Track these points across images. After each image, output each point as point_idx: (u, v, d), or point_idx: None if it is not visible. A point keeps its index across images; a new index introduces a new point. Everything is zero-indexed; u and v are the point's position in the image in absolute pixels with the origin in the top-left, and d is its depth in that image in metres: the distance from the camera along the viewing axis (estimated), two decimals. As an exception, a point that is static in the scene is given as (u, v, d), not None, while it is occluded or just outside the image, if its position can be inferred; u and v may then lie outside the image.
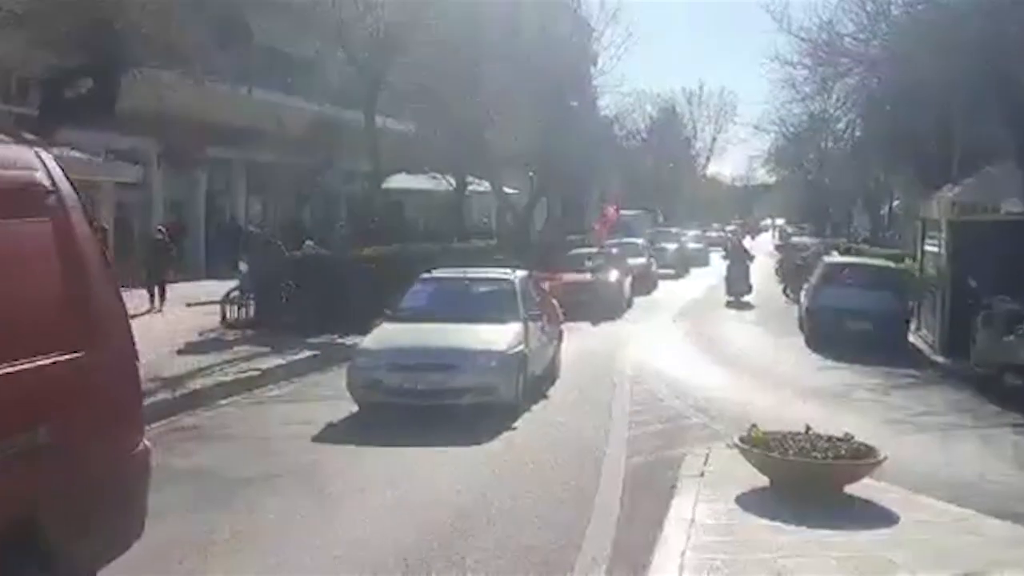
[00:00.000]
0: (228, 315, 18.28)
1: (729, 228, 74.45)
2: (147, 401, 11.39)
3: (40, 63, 18.75)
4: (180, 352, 14.97)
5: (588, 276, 23.23)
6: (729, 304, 27.23)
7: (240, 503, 8.10)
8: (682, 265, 40.03)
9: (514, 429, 10.95)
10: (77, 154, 21.79)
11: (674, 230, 47.35)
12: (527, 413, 11.76)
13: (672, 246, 41.07)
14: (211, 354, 14.77)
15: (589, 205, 50.64)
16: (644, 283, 28.91)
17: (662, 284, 32.64)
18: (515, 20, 29.64)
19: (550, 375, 13.86)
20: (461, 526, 7.50)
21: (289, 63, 31.31)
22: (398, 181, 32.75)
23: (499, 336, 11.83)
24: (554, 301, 15.25)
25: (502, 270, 14.13)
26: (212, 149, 28.74)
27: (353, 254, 21.68)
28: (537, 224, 40.09)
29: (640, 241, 33.80)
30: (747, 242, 39.39)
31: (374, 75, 23.78)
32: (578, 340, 17.22)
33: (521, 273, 13.90)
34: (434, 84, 26.78)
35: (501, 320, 12.31)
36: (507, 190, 35.79)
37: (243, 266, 19.25)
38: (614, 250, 26.96)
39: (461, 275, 13.90)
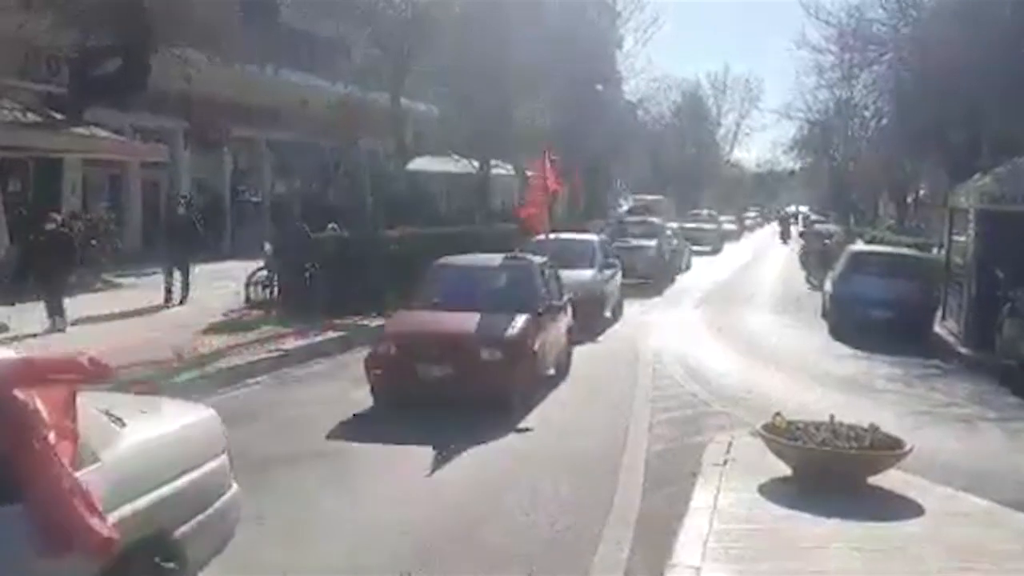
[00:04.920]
0: (252, 296, 18.40)
1: (748, 215, 74.41)
2: (175, 380, 11.65)
3: (69, 42, 18.87)
4: (205, 332, 15.08)
5: (471, 326, 11.22)
6: (742, 296, 27.12)
7: (266, 483, 8.18)
8: (664, 271, 27.95)
9: None
10: (105, 133, 21.99)
11: (656, 220, 33.48)
12: None
13: (650, 244, 27.68)
14: (236, 334, 14.87)
15: (611, 189, 50.62)
16: (593, 314, 17.07)
17: (629, 310, 20.75)
18: (541, 3, 29.54)
19: None
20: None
21: (315, 43, 31.35)
22: (422, 163, 32.82)
23: None
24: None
25: None
26: (238, 129, 28.85)
27: (376, 235, 21.76)
28: (559, 208, 40.03)
29: (593, 239, 21.34)
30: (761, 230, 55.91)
31: (400, 56, 23.79)
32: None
33: None
34: (459, 66, 26.78)
35: None
36: (530, 173, 35.77)
37: (268, 247, 19.36)
38: (542, 258, 13.84)
39: None
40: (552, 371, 12.69)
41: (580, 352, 14.40)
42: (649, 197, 47.58)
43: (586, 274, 18.05)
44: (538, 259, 13.58)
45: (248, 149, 32.00)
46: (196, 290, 18.90)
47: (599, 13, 36.55)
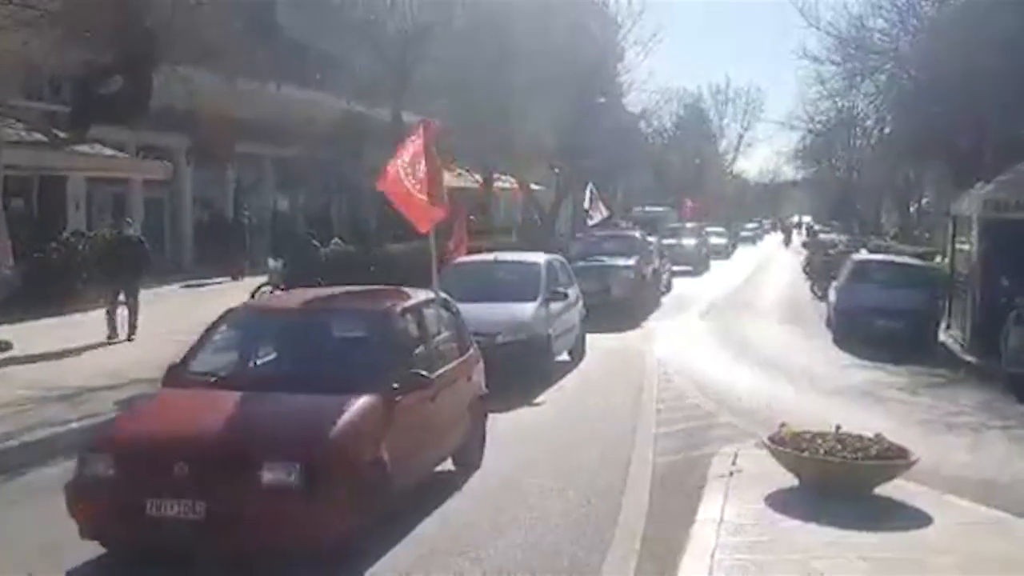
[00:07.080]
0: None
1: (747, 226, 75.02)
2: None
3: (73, 60, 18.93)
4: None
5: (253, 421, 6.67)
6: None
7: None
8: (644, 294, 23.34)
9: None
10: (109, 150, 22.06)
11: (636, 234, 26.96)
12: None
13: (627, 263, 22.83)
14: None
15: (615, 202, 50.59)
16: (535, 362, 13.14)
17: (601, 344, 16.62)
18: (542, 15, 29.61)
19: None
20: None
21: (318, 59, 31.44)
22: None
23: None
24: None
25: None
26: (241, 145, 28.91)
27: (377, 250, 21.80)
28: (563, 221, 40.10)
29: (539, 261, 15.50)
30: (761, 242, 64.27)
31: (402, 71, 23.87)
32: None
33: None
34: (461, 80, 26.83)
35: None
36: (533, 186, 35.85)
37: (273, 263, 19.35)
38: (428, 295, 9.16)
39: None
40: (450, 465, 8.49)
41: (505, 426, 9.95)
42: (652, 209, 47.50)
43: (525, 309, 13.62)
44: (420, 297, 8.79)
45: (252, 165, 32.06)
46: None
47: (600, 27, 36.59)
